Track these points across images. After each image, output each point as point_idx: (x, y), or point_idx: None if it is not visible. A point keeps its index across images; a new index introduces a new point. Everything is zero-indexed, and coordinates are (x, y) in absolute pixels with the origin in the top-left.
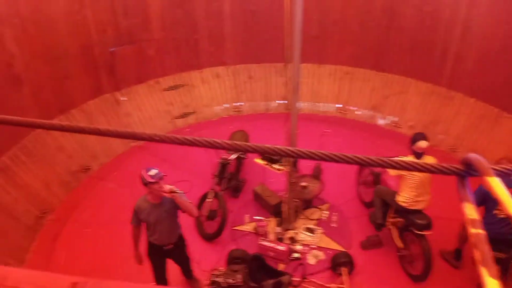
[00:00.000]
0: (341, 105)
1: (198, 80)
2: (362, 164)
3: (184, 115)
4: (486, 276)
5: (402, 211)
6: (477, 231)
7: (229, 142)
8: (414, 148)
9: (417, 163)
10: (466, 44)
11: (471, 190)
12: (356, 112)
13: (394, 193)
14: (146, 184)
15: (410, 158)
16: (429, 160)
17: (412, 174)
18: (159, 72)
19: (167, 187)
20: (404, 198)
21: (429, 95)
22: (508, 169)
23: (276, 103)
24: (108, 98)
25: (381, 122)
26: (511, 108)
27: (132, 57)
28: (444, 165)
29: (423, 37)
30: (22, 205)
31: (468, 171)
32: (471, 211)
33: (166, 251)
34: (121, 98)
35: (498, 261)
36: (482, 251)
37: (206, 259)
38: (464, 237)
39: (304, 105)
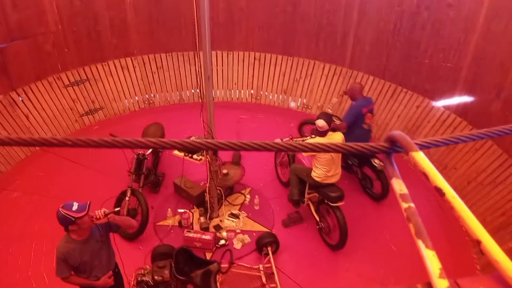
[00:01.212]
0: (253, 91)
1: (103, 74)
2: (283, 150)
3: (92, 112)
4: (423, 248)
5: (317, 186)
6: (409, 205)
7: (144, 140)
8: (316, 127)
9: (345, 145)
10: (362, 27)
11: (397, 166)
12: (269, 97)
13: (309, 170)
14: (73, 222)
15: (317, 138)
16: (337, 136)
17: (322, 153)
18: (59, 68)
19: (99, 213)
20: (317, 174)
21: (333, 76)
22: (429, 142)
23: (190, 93)
24: (2, 99)
25: (292, 105)
26: (406, 84)
27: (26, 52)
28: (372, 144)
29: (326, 21)
30: None
31: (393, 148)
32: (400, 186)
33: None
34: (18, 98)
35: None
36: (416, 223)
37: (131, 259)
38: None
39: (218, 93)
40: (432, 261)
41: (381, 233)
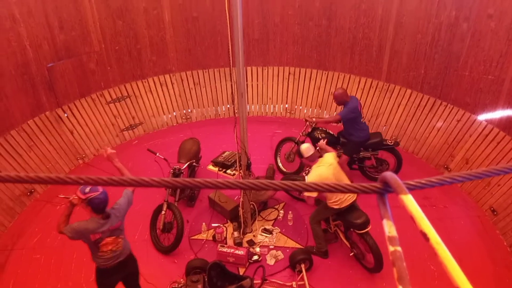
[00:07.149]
0: (287, 106)
1: (143, 90)
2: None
3: (132, 127)
4: None
5: (338, 214)
6: (395, 248)
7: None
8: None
9: (338, 185)
10: (399, 40)
11: (390, 207)
12: (303, 111)
13: (324, 205)
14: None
15: (325, 159)
16: (328, 157)
17: (325, 178)
18: (102, 85)
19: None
20: (332, 201)
21: (369, 89)
22: (422, 183)
23: (225, 108)
24: (49, 115)
25: None
26: (445, 96)
27: (72, 71)
28: (364, 184)
29: (361, 35)
30: None
31: (386, 188)
32: (390, 228)
33: None
34: (64, 115)
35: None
36: (399, 268)
37: (166, 272)
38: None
39: (252, 108)
40: None
41: (418, 250)
